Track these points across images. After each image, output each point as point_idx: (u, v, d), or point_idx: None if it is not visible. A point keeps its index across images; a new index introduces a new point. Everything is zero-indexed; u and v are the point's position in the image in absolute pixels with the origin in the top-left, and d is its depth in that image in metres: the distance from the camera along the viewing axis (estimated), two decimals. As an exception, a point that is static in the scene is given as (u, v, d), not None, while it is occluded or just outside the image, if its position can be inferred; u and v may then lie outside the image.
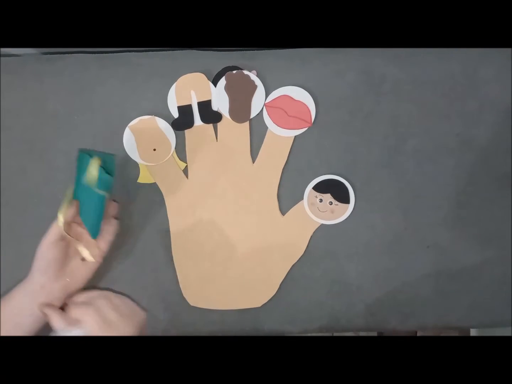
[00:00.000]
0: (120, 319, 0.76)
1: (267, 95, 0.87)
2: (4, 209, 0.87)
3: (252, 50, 0.89)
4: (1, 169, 0.87)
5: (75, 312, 0.77)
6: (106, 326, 0.75)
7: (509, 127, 0.88)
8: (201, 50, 0.88)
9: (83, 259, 0.83)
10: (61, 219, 0.78)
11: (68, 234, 0.79)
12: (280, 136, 0.87)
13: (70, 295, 0.82)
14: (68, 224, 0.79)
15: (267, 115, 0.87)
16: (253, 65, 0.87)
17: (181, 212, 0.87)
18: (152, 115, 0.87)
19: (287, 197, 0.88)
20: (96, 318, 0.75)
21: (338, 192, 0.87)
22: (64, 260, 0.81)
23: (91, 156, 0.76)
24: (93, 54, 0.87)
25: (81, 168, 0.77)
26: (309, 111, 0.87)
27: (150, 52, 0.87)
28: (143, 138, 0.87)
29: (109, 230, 0.83)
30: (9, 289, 0.87)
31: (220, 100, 0.87)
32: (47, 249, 0.79)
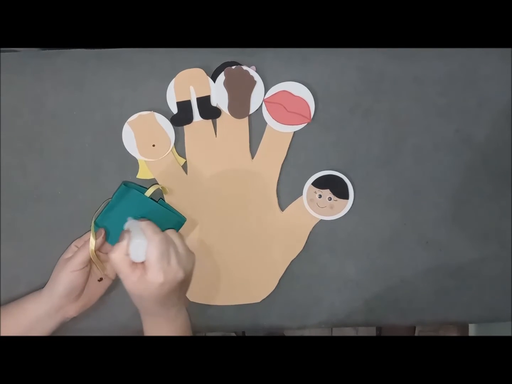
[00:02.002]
0: (176, 266, 0.75)
1: (266, 90, 0.86)
2: (4, 206, 0.87)
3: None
4: (0, 166, 0.87)
5: (147, 228, 0.75)
6: (162, 261, 0.73)
7: (508, 124, 0.87)
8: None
9: (100, 280, 0.85)
10: (92, 246, 0.80)
11: (97, 260, 0.82)
12: (279, 132, 0.87)
13: (84, 312, 0.84)
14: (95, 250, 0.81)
15: (266, 111, 0.87)
16: (252, 61, 0.87)
17: (180, 208, 0.87)
18: (151, 110, 0.86)
19: (286, 193, 0.88)
20: (159, 247, 0.73)
21: (337, 188, 0.87)
22: (85, 283, 0.82)
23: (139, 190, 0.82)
24: (92, 50, 0.87)
25: (121, 199, 0.82)
26: (309, 107, 0.86)
27: (149, 48, 0.86)
28: (142, 134, 0.86)
29: None
30: (10, 286, 0.88)
31: (219, 96, 0.86)
32: (71, 276, 0.80)
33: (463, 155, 0.88)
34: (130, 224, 0.77)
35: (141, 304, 0.78)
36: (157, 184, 0.85)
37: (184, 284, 0.78)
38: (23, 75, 0.87)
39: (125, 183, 0.85)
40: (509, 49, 0.86)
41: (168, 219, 0.83)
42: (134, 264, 0.74)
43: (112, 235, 0.83)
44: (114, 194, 0.83)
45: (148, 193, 0.82)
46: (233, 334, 1.64)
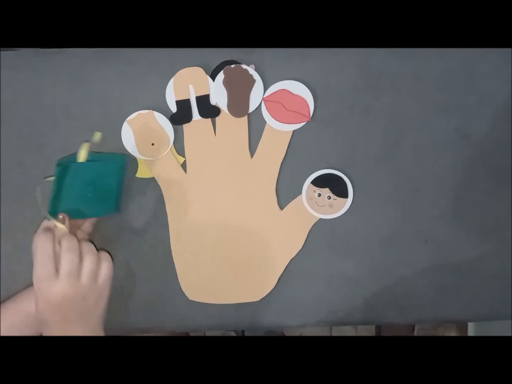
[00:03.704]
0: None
1: (265, 89, 0.86)
2: (3, 203, 0.88)
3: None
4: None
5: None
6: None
7: (508, 121, 0.87)
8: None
9: None
10: (65, 229, 0.78)
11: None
12: (279, 131, 0.87)
13: None
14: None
15: (266, 110, 0.87)
16: (251, 59, 0.87)
17: (179, 207, 0.88)
18: (150, 109, 0.86)
19: (286, 192, 0.88)
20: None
21: (337, 187, 0.87)
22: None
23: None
24: (91, 48, 0.87)
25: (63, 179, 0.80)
26: (308, 106, 0.86)
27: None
28: (141, 133, 0.86)
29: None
30: (9, 283, 0.88)
31: (218, 95, 0.86)
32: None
33: (463, 152, 0.88)
34: None
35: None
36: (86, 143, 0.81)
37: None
38: (22, 73, 0.87)
39: (58, 164, 0.81)
40: (508, 48, 0.86)
41: (111, 169, 0.83)
42: None
43: (74, 213, 0.81)
44: (54, 179, 0.79)
45: (82, 158, 0.80)
46: (233, 333, 1.65)
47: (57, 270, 0.74)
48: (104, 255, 0.79)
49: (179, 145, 0.88)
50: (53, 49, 0.87)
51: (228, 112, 0.87)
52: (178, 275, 0.88)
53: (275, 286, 0.89)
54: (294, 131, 0.87)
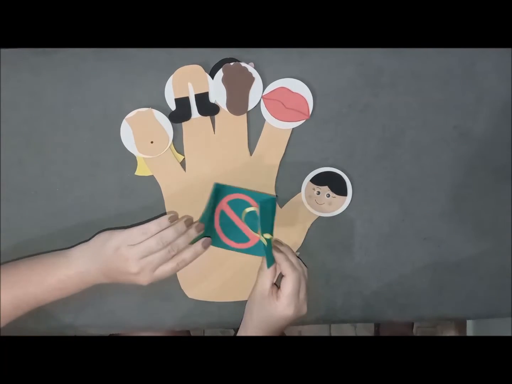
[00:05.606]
0: (303, 299, 0.82)
1: (264, 87, 0.87)
2: (2, 202, 0.88)
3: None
4: (-1, 162, 0.87)
5: (285, 263, 0.81)
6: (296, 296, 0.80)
7: (507, 119, 0.88)
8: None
9: None
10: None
11: None
12: (278, 129, 0.87)
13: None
14: None
15: (265, 107, 0.87)
16: (250, 57, 0.87)
17: (178, 205, 0.88)
18: (149, 107, 0.86)
19: (285, 190, 0.88)
20: (296, 284, 0.80)
21: (336, 185, 0.87)
22: None
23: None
24: (90, 48, 0.86)
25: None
26: (307, 103, 0.86)
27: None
28: (140, 131, 0.86)
29: None
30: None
31: (217, 92, 0.86)
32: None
33: (461, 150, 0.88)
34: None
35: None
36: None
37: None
38: (22, 71, 0.87)
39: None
40: (508, 48, 0.86)
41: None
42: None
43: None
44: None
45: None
46: (232, 331, 1.65)
47: None
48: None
49: (178, 143, 0.88)
50: (52, 48, 0.87)
51: (227, 110, 0.87)
52: (177, 273, 0.88)
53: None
54: (293, 129, 0.87)
